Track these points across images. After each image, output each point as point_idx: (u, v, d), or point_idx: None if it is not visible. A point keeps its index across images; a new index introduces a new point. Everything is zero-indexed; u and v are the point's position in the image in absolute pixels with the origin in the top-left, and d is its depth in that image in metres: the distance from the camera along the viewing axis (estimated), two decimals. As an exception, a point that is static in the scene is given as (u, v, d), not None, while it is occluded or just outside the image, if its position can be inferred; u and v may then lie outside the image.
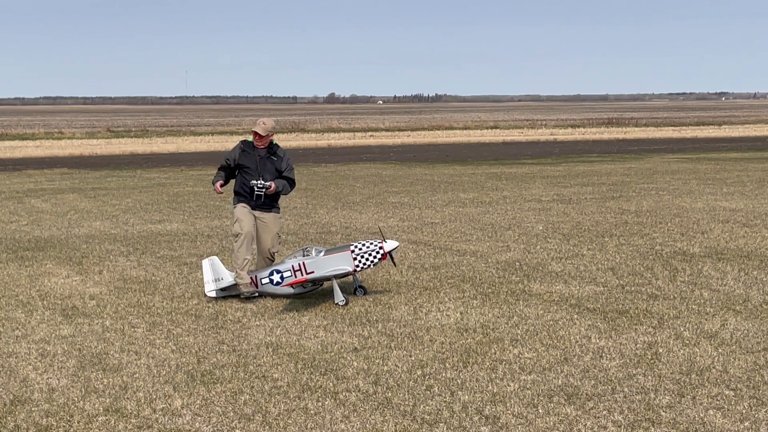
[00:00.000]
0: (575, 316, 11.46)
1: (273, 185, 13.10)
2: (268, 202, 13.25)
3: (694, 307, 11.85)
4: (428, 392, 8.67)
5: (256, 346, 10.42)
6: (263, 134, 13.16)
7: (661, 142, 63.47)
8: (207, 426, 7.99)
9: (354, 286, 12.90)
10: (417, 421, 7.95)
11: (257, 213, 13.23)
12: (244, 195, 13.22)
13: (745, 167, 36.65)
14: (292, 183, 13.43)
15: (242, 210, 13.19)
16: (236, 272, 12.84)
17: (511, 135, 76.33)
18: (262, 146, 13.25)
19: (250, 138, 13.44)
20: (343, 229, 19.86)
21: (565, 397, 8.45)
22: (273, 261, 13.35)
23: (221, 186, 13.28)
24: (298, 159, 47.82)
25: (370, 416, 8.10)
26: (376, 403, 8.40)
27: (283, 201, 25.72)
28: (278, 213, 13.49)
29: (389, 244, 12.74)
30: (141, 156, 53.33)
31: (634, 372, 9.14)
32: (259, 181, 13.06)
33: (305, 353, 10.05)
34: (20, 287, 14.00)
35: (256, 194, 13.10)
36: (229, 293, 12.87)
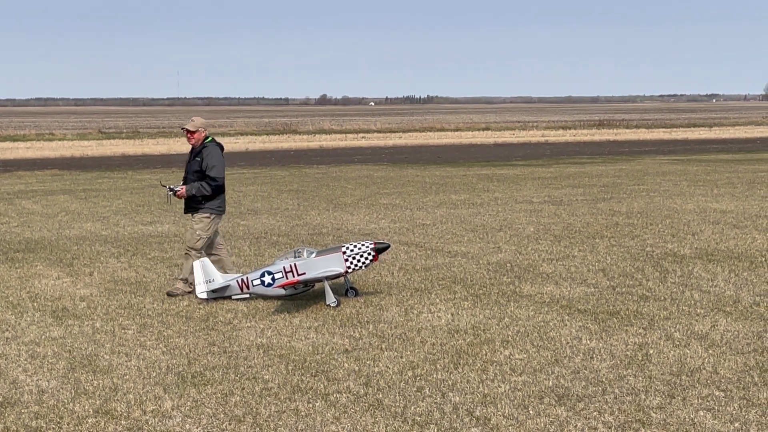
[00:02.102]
0: (566, 318, 11.47)
1: (183, 190, 13.35)
2: (193, 205, 13.48)
3: (684, 308, 11.87)
4: (419, 393, 8.67)
5: (246, 347, 10.40)
6: (192, 130, 13.46)
7: (652, 143, 63.61)
8: (197, 428, 7.97)
9: (345, 288, 12.89)
10: (408, 423, 7.95)
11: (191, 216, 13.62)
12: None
13: (735, 169, 36.74)
14: (212, 181, 13.40)
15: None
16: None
17: (503, 136, 76.35)
18: (195, 143, 13.50)
19: None
20: (334, 231, 19.85)
21: (556, 399, 8.45)
22: (188, 256, 13.45)
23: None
24: (290, 160, 47.83)
25: (360, 417, 8.10)
26: (366, 405, 8.40)
27: (274, 202, 25.83)
28: (206, 213, 13.50)
29: (381, 245, 12.75)
30: (132, 157, 53.23)
31: (624, 373, 9.16)
32: (168, 185, 13.56)
33: (296, 355, 10.05)
34: (10, 289, 13.96)
35: (168, 195, 13.57)
36: (220, 295, 12.85)
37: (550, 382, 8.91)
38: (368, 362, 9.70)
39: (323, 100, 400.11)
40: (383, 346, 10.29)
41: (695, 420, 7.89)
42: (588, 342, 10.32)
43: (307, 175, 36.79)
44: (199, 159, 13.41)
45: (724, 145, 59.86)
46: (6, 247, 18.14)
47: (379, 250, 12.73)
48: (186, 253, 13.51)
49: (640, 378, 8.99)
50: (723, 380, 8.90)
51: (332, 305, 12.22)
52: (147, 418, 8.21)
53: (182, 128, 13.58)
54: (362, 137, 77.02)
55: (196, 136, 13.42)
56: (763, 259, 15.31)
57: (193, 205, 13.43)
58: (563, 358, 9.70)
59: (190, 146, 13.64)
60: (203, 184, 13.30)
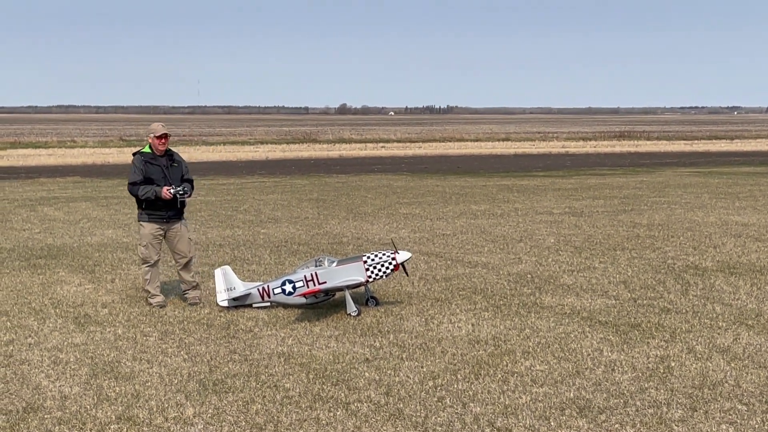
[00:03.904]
0: (587, 329, 11.44)
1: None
2: (181, 210, 13.30)
3: (706, 321, 11.83)
4: (440, 404, 8.67)
5: (267, 355, 10.43)
6: (169, 134, 13.32)
7: (673, 155, 63.37)
8: (219, 435, 8.00)
9: (366, 297, 12.90)
10: (429, 433, 7.95)
11: (168, 225, 13.26)
12: (157, 208, 13.12)
13: (757, 181, 36.55)
14: (192, 185, 13.52)
15: (152, 231, 13.19)
16: (149, 293, 13.21)
17: (523, 147, 76.33)
18: (164, 150, 13.19)
19: (145, 149, 13.31)
20: (354, 240, 19.87)
21: (577, 410, 8.43)
22: (190, 266, 13.39)
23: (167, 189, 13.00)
24: (310, 169, 47.92)
25: (381, 427, 8.11)
26: (387, 414, 8.40)
27: (295, 211, 25.88)
28: (185, 219, 13.54)
29: (402, 255, 12.74)
30: (153, 165, 53.37)
31: (646, 385, 9.12)
32: (179, 188, 13.06)
33: (317, 363, 10.06)
34: (33, 295, 14.04)
35: (180, 201, 13.13)
36: (241, 303, 12.88)
37: (572, 394, 8.89)
38: (389, 372, 9.70)
39: (343, 110, 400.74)
40: (404, 356, 10.30)
41: (717, 433, 7.85)
42: (609, 354, 10.29)
43: (327, 184, 36.85)
44: (176, 165, 13.32)
45: (746, 157, 59.60)
46: (28, 254, 18.25)
47: (401, 261, 12.73)
48: (187, 263, 13.41)
49: (662, 391, 8.96)
50: (745, 394, 8.86)
51: (353, 314, 12.23)
52: (169, 424, 8.24)
53: (162, 134, 13.08)
54: (382, 147, 77.13)
55: (168, 141, 13.31)
56: (786, 273, 15.22)
57: (181, 210, 13.35)
58: (584, 370, 9.68)
59: (155, 153, 13.15)
60: (190, 187, 13.35)
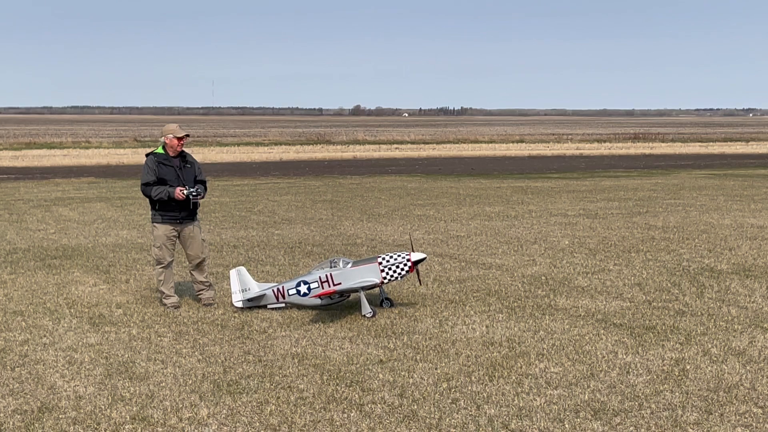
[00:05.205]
0: (602, 332, 11.41)
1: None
2: (194, 212, 13.26)
3: (721, 323, 11.78)
4: (454, 405, 8.66)
5: (281, 356, 10.44)
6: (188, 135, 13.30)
7: (688, 157, 63.15)
8: (233, 436, 8.00)
9: (380, 299, 12.90)
10: (443, 435, 7.93)
11: (182, 226, 13.21)
12: (170, 209, 13.09)
13: (772, 184, 36.37)
14: (205, 186, 13.54)
15: (165, 233, 13.14)
16: (164, 294, 13.17)
17: (537, 149, 76.22)
18: (179, 151, 13.16)
19: (159, 149, 13.26)
20: (368, 241, 19.87)
21: (592, 413, 8.41)
22: (203, 267, 13.38)
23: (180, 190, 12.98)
24: (324, 170, 47.95)
25: (395, 428, 8.10)
26: (401, 416, 8.40)
27: (309, 212, 25.90)
28: (198, 220, 13.49)
29: (416, 255, 12.73)
30: (167, 166, 53.43)
31: (661, 388, 9.10)
32: (192, 189, 13.02)
33: (331, 364, 10.06)
34: (48, 295, 14.09)
35: (193, 202, 13.11)
36: (255, 304, 12.90)
37: (586, 396, 8.87)
38: (403, 373, 9.70)
39: (357, 111, 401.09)
40: (418, 358, 10.29)
41: (733, 437, 7.82)
42: (624, 356, 10.26)
43: (341, 186, 36.86)
44: (189, 166, 13.30)
45: (761, 160, 59.33)
46: (43, 254, 18.32)
47: (416, 261, 12.73)
48: (200, 264, 13.41)
49: (677, 393, 8.93)
50: (761, 397, 8.82)
51: (367, 316, 12.23)
52: (183, 425, 8.25)
53: (183, 135, 13.12)
54: (396, 148, 77.13)
55: (184, 142, 13.29)
56: (802, 276, 15.15)
57: (194, 211, 13.33)
58: (599, 372, 9.65)
59: (169, 153, 13.14)
60: (203, 188, 13.36)
